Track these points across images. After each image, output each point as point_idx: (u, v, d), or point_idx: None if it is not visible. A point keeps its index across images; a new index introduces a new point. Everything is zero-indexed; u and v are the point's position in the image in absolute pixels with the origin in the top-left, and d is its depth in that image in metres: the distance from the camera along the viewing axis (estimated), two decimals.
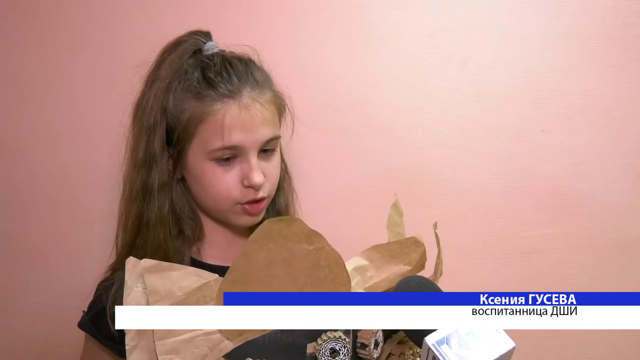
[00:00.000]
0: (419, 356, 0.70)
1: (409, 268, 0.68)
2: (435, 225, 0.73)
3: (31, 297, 1.01)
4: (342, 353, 0.61)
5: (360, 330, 0.63)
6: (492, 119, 1.00)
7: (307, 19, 0.99)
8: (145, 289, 0.61)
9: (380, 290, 0.67)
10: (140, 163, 0.74)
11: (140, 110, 0.76)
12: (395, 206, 0.77)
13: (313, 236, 0.62)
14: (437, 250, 0.70)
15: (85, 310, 0.75)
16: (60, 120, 1.00)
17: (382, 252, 0.69)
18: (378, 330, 0.64)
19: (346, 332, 0.63)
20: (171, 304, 0.61)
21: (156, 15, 0.99)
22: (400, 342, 0.70)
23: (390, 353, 0.68)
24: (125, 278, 0.61)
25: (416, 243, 0.69)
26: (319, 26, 0.99)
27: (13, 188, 1.01)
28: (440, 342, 0.52)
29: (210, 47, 0.77)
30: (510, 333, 0.55)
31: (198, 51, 0.76)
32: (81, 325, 0.74)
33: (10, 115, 1.00)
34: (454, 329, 0.53)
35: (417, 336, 0.56)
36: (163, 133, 0.73)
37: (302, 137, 0.93)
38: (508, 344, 0.52)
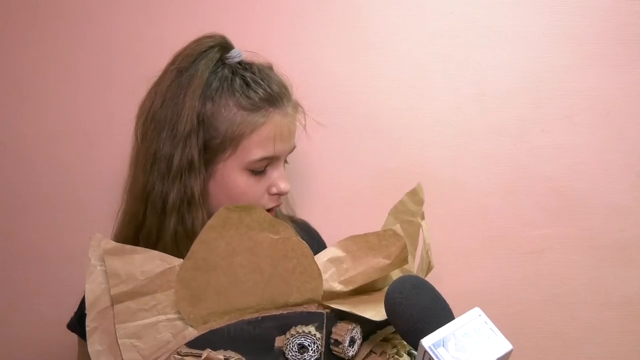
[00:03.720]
0: (404, 355, 0.68)
1: (388, 262, 0.64)
2: (421, 215, 0.70)
3: (31, 297, 1.01)
4: (312, 349, 0.59)
5: (336, 326, 0.61)
6: (492, 119, 1.00)
7: (307, 19, 0.99)
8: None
9: (356, 284, 0.64)
10: (175, 173, 0.69)
11: (166, 117, 0.70)
12: (415, 193, 0.73)
13: (278, 225, 0.59)
14: (432, 256, 0.69)
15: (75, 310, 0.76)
16: (60, 121, 1.00)
17: (360, 244, 0.64)
18: (355, 326, 0.62)
19: (319, 327, 0.61)
20: (132, 288, 0.59)
21: (156, 16, 0.99)
22: (384, 340, 0.68)
23: (371, 351, 0.66)
24: (89, 255, 0.59)
25: (395, 236, 0.64)
26: (319, 26, 0.99)
27: (13, 188, 1.01)
28: (436, 345, 0.50)
29: (237, 54, 0.74)
30: (510, 333, 0.55)
31: (224, 58, 0.74)
32: (69, 325, 0.74)
33: (10, 115, 1.00)
34: (451, 331, 0.51)
35: (411, 337, 0.55)
36: (201, 141, 0.70)
37: (302, 137, 0.93)
38: (505, 346, 0.51)
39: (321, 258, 0.64)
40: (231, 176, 0.72)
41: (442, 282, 1.00)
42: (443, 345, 0.50)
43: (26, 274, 1.01)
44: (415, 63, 0.99)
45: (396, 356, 0.67)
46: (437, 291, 0.57)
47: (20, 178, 1.01)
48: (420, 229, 0.72)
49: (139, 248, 0.60)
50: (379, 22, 0.99)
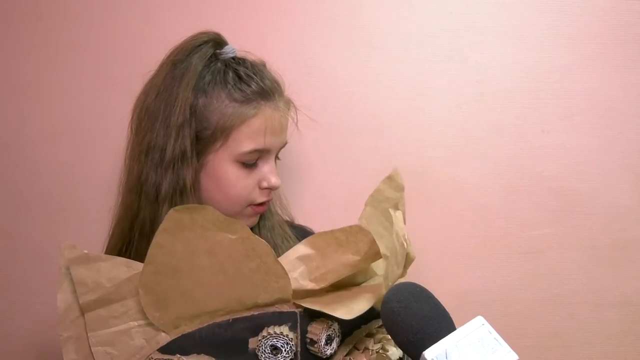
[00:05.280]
0: (390, 349, 0.66)
1: (357, 258, 0.63)
2: (395, 206, 0.68)
3: (31, 297, 1.01)
4: (285, 350, 0.58)
5: (311, 325, 0.60)
6: (492, 119, 1.00)
7: (307, 18, 0.99)
8: None
9: (328, 281, 0.62)
10: (168, 163, 0.70)
11: (160, 109, 0.72)
12: (392, 179, 0.71)
13: (234, 224, 0.58)
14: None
15: None
16: (62, 121, 1.00)
17: (328, 240, 0.63)
18: (332, 324, 0.61)
19: (292, 327, 0.60)
20: (101, 296, 0.58)
21: (158, 16, 0.99)
22: (367, 335, 0.66)
23: (353, 347, 0.65)
24: (59, 264, 0.59)
25: (362, 231, 0.62)
26: (320, 26, 0.99)
27: (15, 188, 1.01)
28: (440, 357, 0.49)
29: (230, 50, 0.76)
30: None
31: (218, 53, 0.75)
32: None
33: (12, 115, 1.00)
34: (454, 342, 0.49)
35: (411, 349, 0.53)
36: (193, 132, 0.71)
37: (303, 136, 0.93)
38: (511, 356, 0.49)
39: (289, 256, 0.63)
40: (222, 167, 0.72)
41: (442, 282, 1.00)
42: (447, 358, 0.49)
43: (26, 274, 1.01)
44: (415, 63, 0.99)
45: (381, 351, 0.66)
46: (436, 299, 0.55)
47: (22, 178, 1.01)
48: (393, 220, 0.69)
49: (103, 255, 0.60)
50: (379, 22, 0.99)
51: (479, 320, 0.52)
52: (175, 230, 0.57)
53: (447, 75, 0.99)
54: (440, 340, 0.50)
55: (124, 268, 0.59)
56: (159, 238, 0.57)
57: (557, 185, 1.00)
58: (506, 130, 1.00)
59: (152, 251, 0.57)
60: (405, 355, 0.66)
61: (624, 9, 0.98)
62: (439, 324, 0.52)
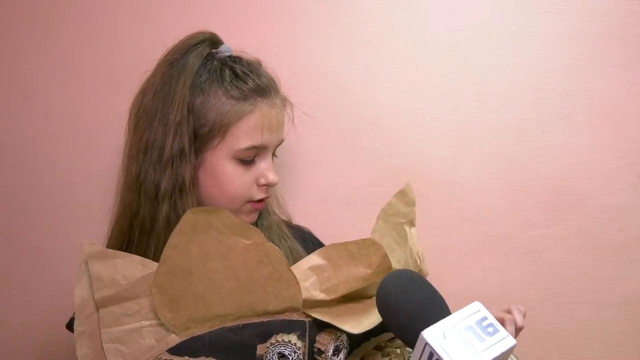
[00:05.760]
0: None
1: (369, 271, 0.62)
2: (410, 222, 0.69)
3: (31, 297, 1.01)
4: (292, 358, 0.59)
5: (319, 335, 0.60)
6: (492, 119, 1.00)
7: (307, 19, 0.99)
8: None
9: (338, 293, 0.62)
10: (167, 161, 0.71)
11: (157, 107, 0.72)
12: (404, 194, 0.72)
13: (248, 230, 0.58)
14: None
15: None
16: (62, 121, 1.00)
17: (341, 252, 0.63)
18: (340, 335, 0.61)
19: (301, 335, 0.60)
20: (116, 293, 0.59)
21: (158, 16, 0.99)
22: (376, 348, 0.66)
23: (361, 359, 0.65)
24: (80, 261, 0.60)
25: (375, 245, 0.62)
26: (320, 26, 0.99)
27: (15, 188, 1.01)
28: (438, 337, 0.48)
29: (226, 49, 0.77)
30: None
31: (214, 52, 0.76)
32: (68, 326, 0.74)
33: (12, 115, 1.00)
34: (452, 325, 0.49)
35: (407, 333, 0.52)
36: (191, 129, 0.71)
37: (303, 136, 0.93)
38: (509, 341, 0.49)
39: (302, 266, 0.63)
40: (220, 164, 0.73)
41: (442, 282, 0.99)
42: (444, 338, 0.48)
43: (26, 274, 1.01)
44: (415, 63, 0.99)
45: None
46: (432, 286, 0.55)
47: (21, 178, 1.01)
48: (408, 237, 0.70)
49: (120, 252, 0.61)
50: (379, 22, 0.99)
51: (476, 305, 0.51)
52: (191, 231, 0.57)
53: (447, 75, 0.99)
54: (439, 322, 0.49)
55: (139, 267, 0.60)
56: (174, 239, 0.58)
57: (557, 185, 1.00)
58: (506, 130, 1.00)
59: (166, 252, 0.58)
60: None
61: (624, 9, 0.98)
62: (437, 309, 0.52)
